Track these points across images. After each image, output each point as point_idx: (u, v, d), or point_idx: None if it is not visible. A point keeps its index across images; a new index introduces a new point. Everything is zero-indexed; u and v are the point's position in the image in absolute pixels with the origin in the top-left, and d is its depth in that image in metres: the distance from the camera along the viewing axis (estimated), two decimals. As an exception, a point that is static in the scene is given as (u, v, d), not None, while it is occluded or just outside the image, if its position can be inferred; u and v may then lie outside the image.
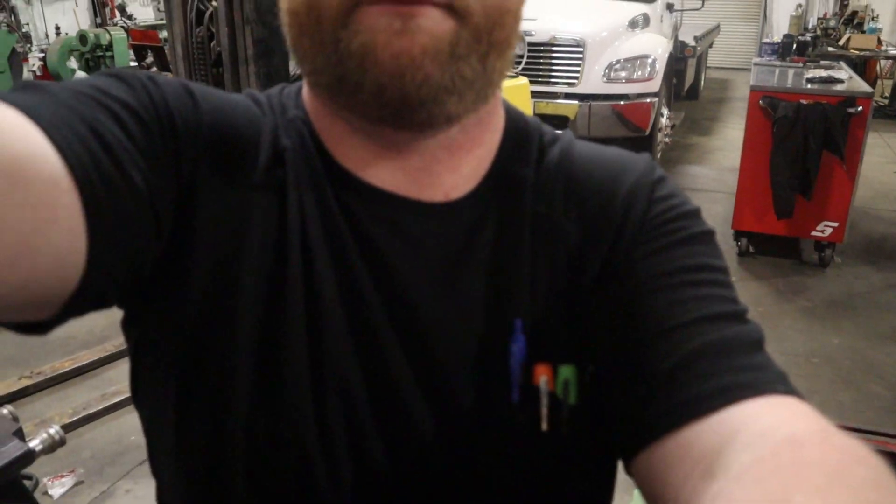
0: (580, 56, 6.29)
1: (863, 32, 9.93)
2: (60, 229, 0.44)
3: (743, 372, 0.53)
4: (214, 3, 3.16)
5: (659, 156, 7.15)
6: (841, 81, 4.77)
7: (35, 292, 0.45)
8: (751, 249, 4.98)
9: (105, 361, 3.40)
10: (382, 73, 0.51)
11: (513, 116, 0.67)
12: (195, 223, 0.56)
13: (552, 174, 0.64)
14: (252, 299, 0.57)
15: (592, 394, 0.60)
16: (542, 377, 0.59)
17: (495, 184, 0.63)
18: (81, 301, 0.48)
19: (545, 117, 6.17)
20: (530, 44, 5.97)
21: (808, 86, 4.69)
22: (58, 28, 12.78)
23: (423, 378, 0.59)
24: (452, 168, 0.61)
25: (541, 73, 6.37)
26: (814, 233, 4.68)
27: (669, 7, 7.39)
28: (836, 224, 4.60)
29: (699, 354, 0.53)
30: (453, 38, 0.51)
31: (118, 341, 3.43)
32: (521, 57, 5.31)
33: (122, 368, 3.42)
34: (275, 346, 0.57)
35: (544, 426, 0.59)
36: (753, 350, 0.55)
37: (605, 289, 0.60)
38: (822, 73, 5.12)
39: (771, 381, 0.52)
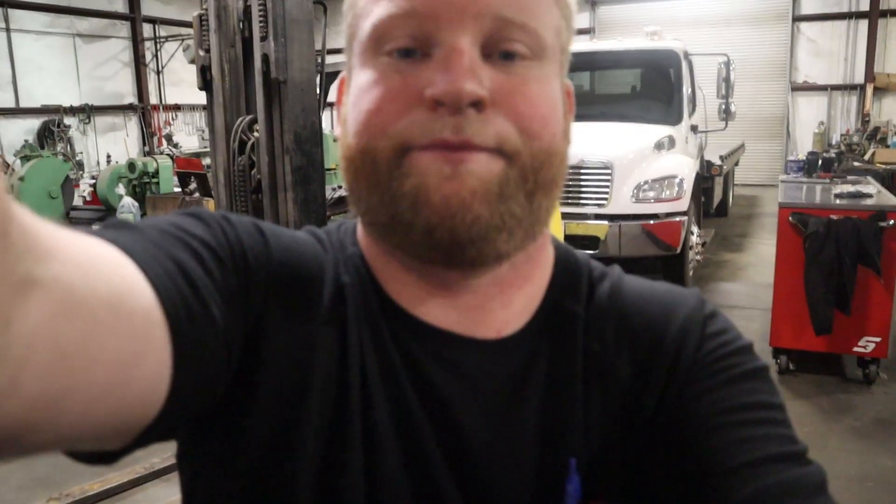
0: (608, 178, 6.43)
1: (887, 147, 10.06)
2: (151, 361, 0.45)
3: None
4: (256, 134, 3.33)
5: (691, 273, 7.13)
6: (870, 196, 4.79)
7: (119, 422, 0.45)
8: (791, 367, 4.85)
9: (134, 484, 3.36)
10: (433, 214, 0.54)
11: (561, 252, 0.69)
12: (263, 357, 0.57)
13: (603, 310, 0.64)
14: (314, 435, 0.57)
15: None
16: None
17: (547, 320, 0.64)
18: (155, 432, 0.48)
19: (576, 237, 6.25)
20: (559, 166, 6.13)
21: (838, 201, 4.71)
22: (108, 156, 13.50)
23: None
24: (504, 305, 0.62)
25: (570, 194, 6.50)
26: (856, 349, 4.56)
27: (694, 129, 7.59)
28: (878, 339, 4.48)
29: (763, 497, 0.53)
30: (502, 179, 0.55)
31: (147, 463, 3.41)
32: (550, 178, 5.44)
33: (151, 491, 3.37)
34: (334, 483, 0.57)
35: None
36: (817, 493, 0.55)
37: (662, 428, 0.60)
38: (850, 188, 5.15)
39: None
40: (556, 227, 5.19)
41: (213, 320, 0.51)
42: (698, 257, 7.51)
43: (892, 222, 4.31)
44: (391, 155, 0.55)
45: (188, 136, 15.84)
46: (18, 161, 7.20)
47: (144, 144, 15.08)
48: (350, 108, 0.59)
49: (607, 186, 6.43)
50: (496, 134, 0.54)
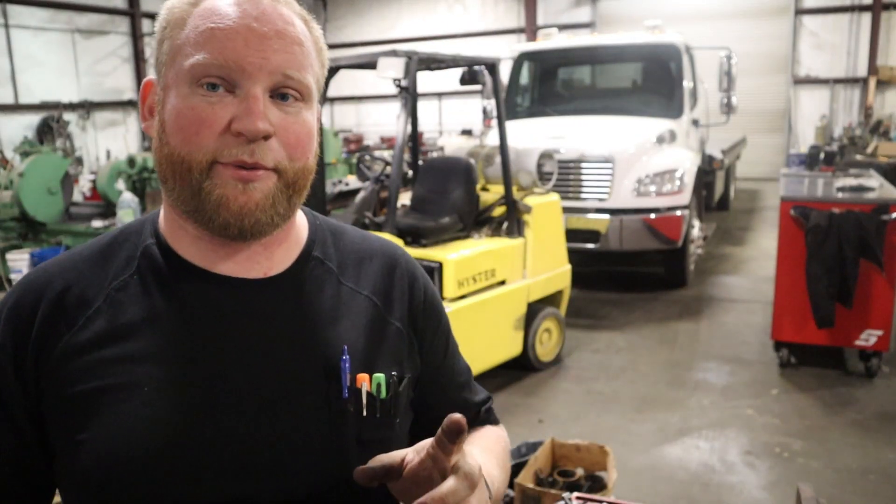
0: (609, 172, 6.42)
1: (890, 140, 10.03)
2: None
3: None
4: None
5: (692, 267, 7.12)
6: (872, 189, 4.77)
7: None
8: (793, 360, 4.85)
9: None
10: (230, 216, 0.83)
11: (310, 218, 1.01)
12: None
13: (346, 252, 1.01)
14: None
15: (395, 391, 0.94)
16: (363, 382, 0.91)
17: (304, 263, 0.96)
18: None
19: (577, 231, 6.24)
20: (560, 161, 6.12)
21: (840, 194, 4.70)
22: (108, 152, 13.49)
23: (275, 389, 0.88)
24: (268, 258, 0.92)
25: (571, 189, 6.49)
26: (857, 342, 4.55)
27: (695, 122, 7.57)
28: (880, 332, 4.48)
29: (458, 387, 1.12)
30: (274, 192, 0.85)
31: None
32: (552, 174, 5.43)
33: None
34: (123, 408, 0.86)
35: (364, 412, 0.91)
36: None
37: (413, 329, 1.02)
38: (853, 181, 5.14)
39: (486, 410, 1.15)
40: (556, 221, 5.18)
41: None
42: (699, 251, 7.50)
43: (894, 215, 4.30)
44: (203, 166, 0.82)
45: (188, 131, 15.80)
46: (18, 157, 7.20)
47: (144, 140, 15.06)
48: (171, 122, 0.83)
49: (608, 180, 6.42)
50: (274, 158, 0.83)
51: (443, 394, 1.07)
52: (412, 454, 0.82)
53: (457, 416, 0.75)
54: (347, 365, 0.90)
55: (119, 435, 0.81)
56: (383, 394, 0.92)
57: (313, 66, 0.88)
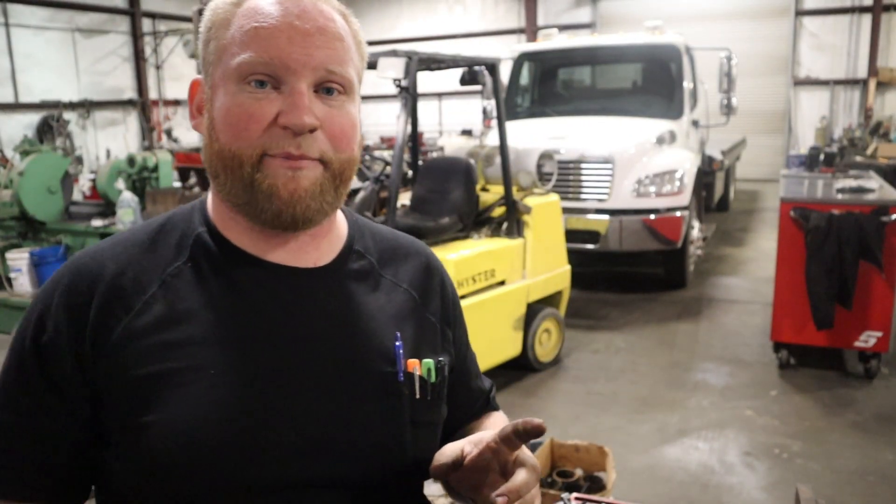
0: (609, 172, 6.41)
1: (889, 141, 10.02)
2: None
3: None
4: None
5: (692, 268, 7.12)
6: (872, 191, 4.77)
7: None
8: (792, 361, 4.85)
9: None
10: (282, 204, 0.87)
11: (347, 214, 1.06)
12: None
13: (385, 247, 1.07)
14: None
15: (442, 376, 1.00)
16: (415, 367, 0.97)
17: (347, 255, 1.00)
18: None
19: (576, 232, 6.24)
20: (560, 162, 6.12)
21: (839, 196, 4.69)
22: (108, 151, 13.49)
23: (334, 373, 0.92)
24: (315, 248, 0.97)
25: (570, 189, 6.49)
26: (857, 343, 4.56)
27: (695, 123, 7.57)
28: (879, 333, 4.48)
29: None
30: (322, 180, 0.89)
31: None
32: (551, 175, 5.43)
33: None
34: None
35: (416, 394, 0.96)
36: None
37: (445, 323, 1.08)
38: (852, 182, 5.14)
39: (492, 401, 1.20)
40: (556, 222, 5.18)
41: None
42: (699, 252, 7.50)
43: (893, 217, 4.29)
44: (254, 160, 0.86)
45: (188, 130, 15.81)
46: (18, 156, 7.19)
47: (144, 139, 15.06)
48: (220, 119, 0.87)
49: (608, 181, 6.41)
50: (319, 149, 0.88)
51: (462, 382, 1.13)
52: (469, 446, 0.88)
53: (538, 420, 0.81)
54: (401, 350, 0.96)
55: (189, 417, 0.83)
56: (433, 378, 0.98)
57: (354, 60, 0.92)
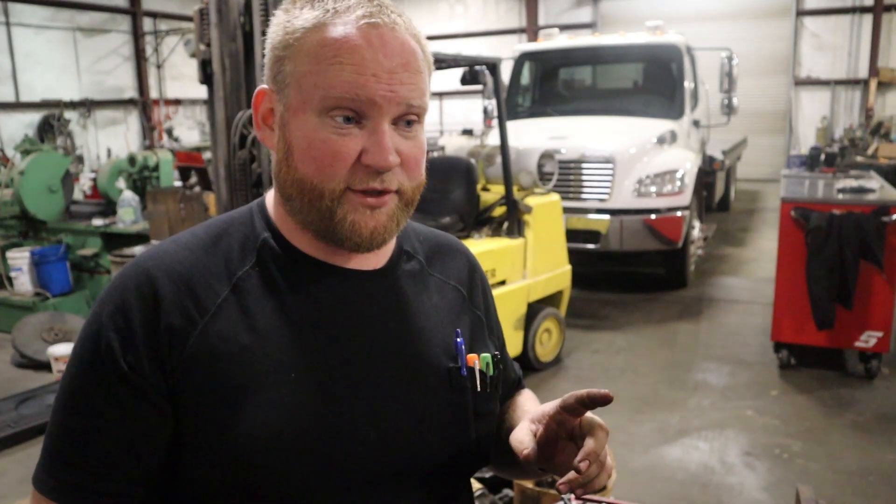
0: (610, 172, 6.41)
1: (890, 142, 10.01)
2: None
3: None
4: (257, 127, 3.31)
5: (692, 268, 7.12)
6: (872, 191, 4.77)
7: None
8: (792, 361, 4.85)
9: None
10: (361, 239, 0.91)
11: None
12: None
13: (432, 249, 1.11)
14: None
15: (499, 369, 1.06)
16: (475, 361, 1.02)
17: (399, 257, 1.04)
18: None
19: (577, 232, 6.24)
20: (561, 161, 6.12)
21: (840, 196, 4.69)
22: (109, 150, 13.48)
23: (404, 370, 0.97)
24: (376, 254, 0.99)
25: (571, 189, 6.49)
26: (857, 343, 4.56)
27: (696, 123, 7.57)
28: (880, 333, 4.48)
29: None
30: (397, 211, 0.93)
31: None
32: (552, 174, 5.43)
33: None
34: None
35: (478, 388, 1.02)
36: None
37: (487, 316, 1.14)
38: (853, 182, 5.14)
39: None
40: (557, 222, 5.18)
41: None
42: (700, 252, 7.50)
43: (894, 217, 4.29)
44: (336, 194, 0.89)
45: (189, 129, 15.82)
46: (18, 155, 7.20)
47: (145, 138, 15.06)
48: (301, 149, 0.89)
49: (609, 180, 6.41)
50: (398, 181, 0.91)
51: (503, 369, 1.19)
52: (534, 425, 0.95)
53: (605, 390, 0.87)
54: (463, 346, 1.02)
55: (276, 421, 0.86)
56: (491, 371, 1.04)
57: (427, 86, 0.93)
